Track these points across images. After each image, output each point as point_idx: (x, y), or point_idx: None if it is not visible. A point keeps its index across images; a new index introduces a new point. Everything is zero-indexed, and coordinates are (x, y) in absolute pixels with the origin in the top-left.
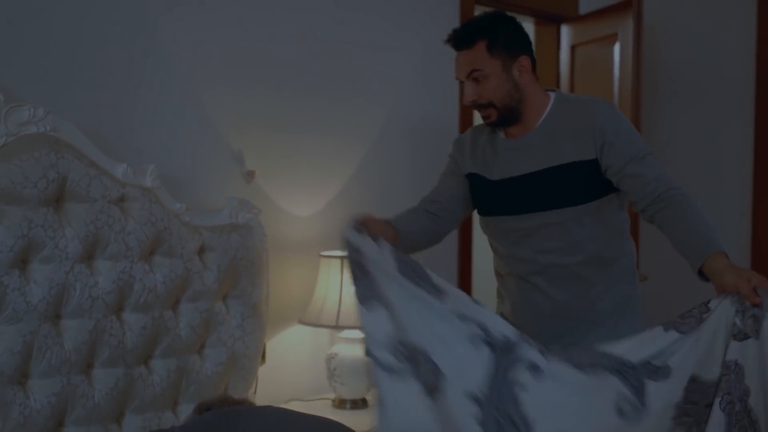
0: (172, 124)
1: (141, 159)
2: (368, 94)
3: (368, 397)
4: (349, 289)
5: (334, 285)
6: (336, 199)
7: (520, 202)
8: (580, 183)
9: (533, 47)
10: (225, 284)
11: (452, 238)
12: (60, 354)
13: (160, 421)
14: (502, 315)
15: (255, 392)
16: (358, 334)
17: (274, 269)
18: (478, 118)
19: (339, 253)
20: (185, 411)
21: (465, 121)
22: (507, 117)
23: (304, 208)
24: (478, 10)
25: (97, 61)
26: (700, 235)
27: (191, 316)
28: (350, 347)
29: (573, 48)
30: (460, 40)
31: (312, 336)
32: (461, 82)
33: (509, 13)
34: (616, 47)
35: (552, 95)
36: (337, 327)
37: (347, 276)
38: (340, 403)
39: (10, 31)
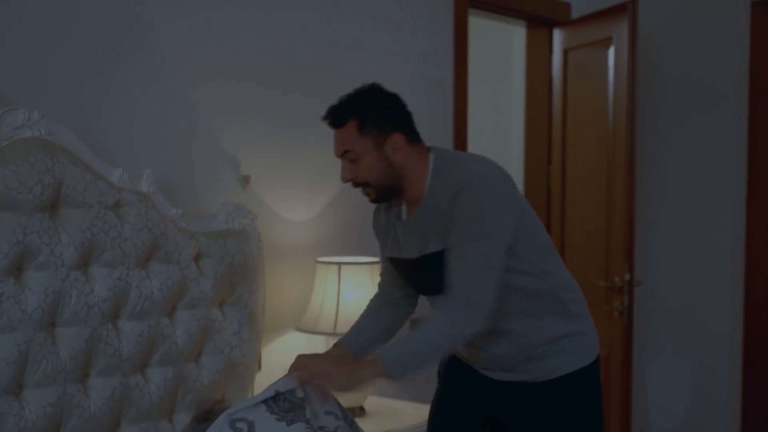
0: (167, 128)
1: (136, 164)
2: None
3: (365, 406)
4: (347, 295)
5: (331, 291)
6: (332, 204)
7: (422, 285)
8: None
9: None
10: (221, 291)
11: None
12: (56, 363)
13: (156, 430)
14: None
15: None
16: None
17: (270, 275)
18: (474, 124)
19: (336, 258)
20: (182, 420)
21: (460, 125)
22: (386, 195)
23: (299, 213)
24: (472, 14)
25: (92, 65)
26: (402, 347)
27: (188, 323)
28: None
29: (566, 52)
30: (333, 119)
31: (308, 343)
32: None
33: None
34: (611, 51)
35: (431, 162)
36: (335, 334)
37: (345, 281)
38: None
39: (2, 33)
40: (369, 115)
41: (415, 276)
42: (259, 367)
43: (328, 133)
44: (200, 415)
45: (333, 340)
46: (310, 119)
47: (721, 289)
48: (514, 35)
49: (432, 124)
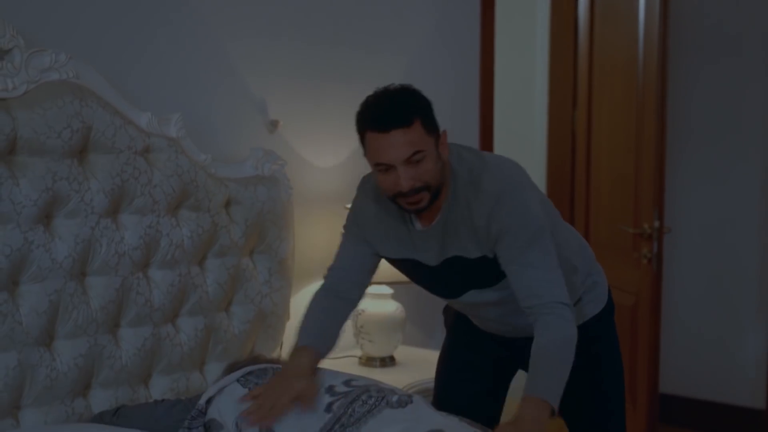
0: (195, 72)
1: (163, 109)
2: (389, 43)
3: (396, 355)
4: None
5: None
6: (359, 149)
7: (439, 288)
8: (491, 268)
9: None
10: (251, 239)
11: None
12: (86, 313)
13: (188, 381)
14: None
15: (281, 350)
16: (386, 289)
17: (298, 222)
18: (502, 69)
19: None
20: (213, 371)
21: (485, 71)
22: (434, 198)
23: (327, 159)
24: None
25: (120, 7)
26: (543, 373)
27: (218, 272)
28: (378, 303)
29: None
30: (396, 118)
31: None
32: (382, 169)
33: None
34: (641, 10)
35: (451, 168)
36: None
37: None
38: (368, 361)
39: None
40: (428, 113)
41: (428, 279)
42: (288, 317)
43: (355, 78)
44: (231, 367)
45: None
46: (337, 64)
47: (749, 236)
48: None
49: (458, 70)
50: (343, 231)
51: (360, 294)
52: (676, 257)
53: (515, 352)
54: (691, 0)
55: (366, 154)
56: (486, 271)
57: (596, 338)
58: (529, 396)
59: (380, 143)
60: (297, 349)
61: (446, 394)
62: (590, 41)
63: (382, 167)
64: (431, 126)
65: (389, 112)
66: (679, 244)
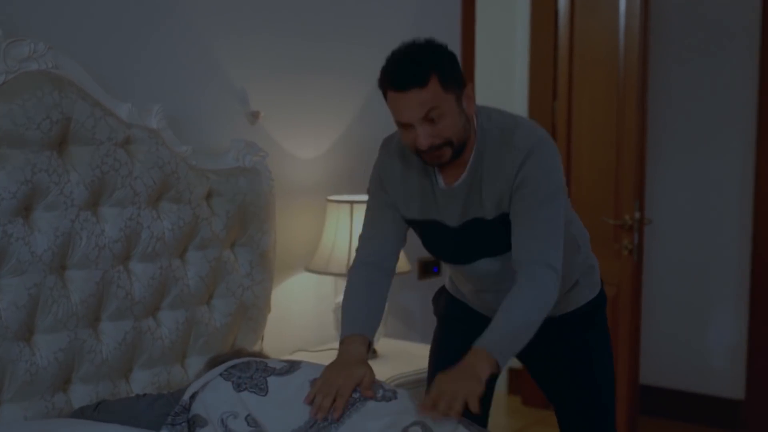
0: (176, 62)
1: (144, 99)
2: (369, 35)
3: (377, 348)
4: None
5: (343, 230)
6: (341, 140)
7: (456, 251)
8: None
9: None
10: (233, 231)
11: None
12: (66, 307)
13: (169, 375)
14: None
15: (262, 343)
16: None
17: (279, 215)
18: (482, 60)
19: (347, 197)
20: (194, 365)
21: (466, 62)
22: (458, 154)
23: (308, 150)
24: None
25: None
26: (501, 332)
27: (199, 265)
28: None
29: None
30: (410, 78)
31: (317, 284)
32: (405, 127)
33: None
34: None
35: (476, 121)
36: (347, 275)
37: (358, 220)
38: None
39: None
40: (447, 69)
41: (446, 243)
42: (269, 309)
43: (335, 69)
44: (213, 360)
45: (343, 282)
46: (318, 56)
47: (728, 228)
48: None
49: None
50: (368, 198)
51: (396, 262)
52: (656, 248)
53: None
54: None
55: (390, 108)
56: (502, 235)
57: (589, 326)
58: (478, 348)
59: (398, 103)
60: (348, 338)
61: None
62: (571, 33)
63: (404, 126)
64: (451, 82)
65: (405, 71)
66: (659, 235)
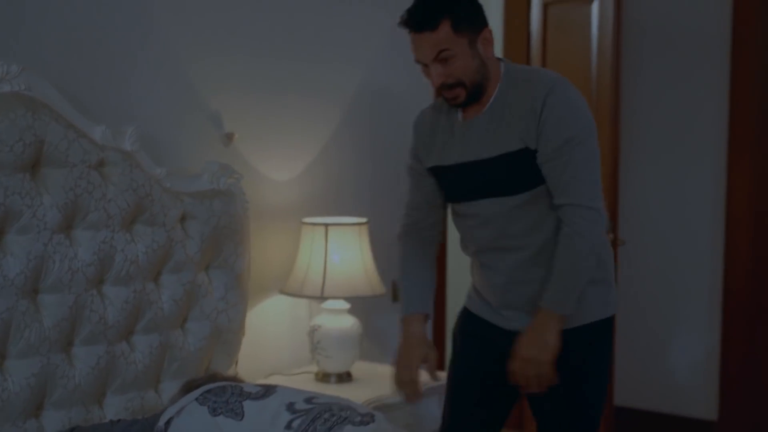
0: (149, 84)
1: (118, 121)
2: (344, 55)
3: (352, 371)
4: (334, 257)
5: (317, 253)
6: (316, 162)
7: (470, 189)
8: (527, 169)
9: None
10: (207, 254)
11: None
12: (39, 332)
13: (143, 400)
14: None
15: (236, 367)
16: (343, 304)
17: (253, 237)
18: None
19: (322, 219)
20: (168, 389)
21: None
22: (475, 95)
23: (283, 173)
24: None
25: (73, 16)
26: (554, 286)
27: (173, 288)
28: (335, 318)
29: (546, 6)
30: (421, 21)
31: (291, 307)
32: (424, 65)
33: None
34: (594, 5)
35: (501, 68)
36: (322, 297)
37: (332, 243)
38: (324, 377)
39: None
40: (461, 13)
41: (459, 180)
42: (244, 332)
43: (309, 91)
44: (188, 385)
45: (318, 305)
46: (292, 77)
47: (702, 248)
48: None
49: (410, 82)
50: (407, 172)
51: (441, 229)
52: (627, 268)
53: None
54: (644, 10)
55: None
56: (516, 172)
57: (592, 348)
58: (542, 308)
59: (413, 43)
60: (408, 317)
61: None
62: (543, 52)
63: (421, 65)
64: (464, 26)
65: (417, 14)
66: (630, 255)
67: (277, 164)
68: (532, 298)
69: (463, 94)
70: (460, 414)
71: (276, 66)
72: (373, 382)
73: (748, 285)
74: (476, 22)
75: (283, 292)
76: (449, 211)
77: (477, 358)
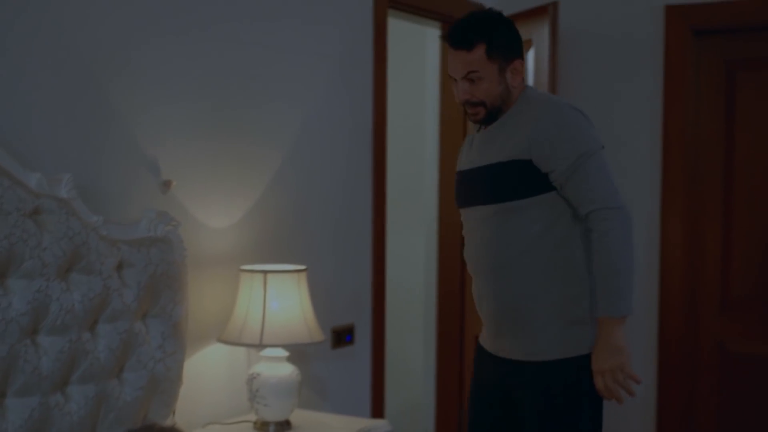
0: (86, 132)
1: (54, 168)
2: (284, 99)
3: (291, 419)
4: (273, 304)
5: (256, 300)
6: (254, 209)
7: (467, 195)
8: (514, 180)
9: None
10: (145, 302)
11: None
12: None
13: None
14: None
15: (174, 416)
16: (281, 352)
17: (192, 285)
18: (393, 124)
19: (261, 266)
20: None
21: (378, 126)
22: (493, 115)
23: (221, 220)
24: (392, 15)
25: (6, 63)
26: (601, 292)
27: (110, 337)
28: (274, 366)
29: None
30: (460, 40)
31: (229, 355)
32: (454, 79)
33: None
34: (531, 53)
35: (524, 92)
36: (261, 345)
37: (271, 290)
38: (263, 426)
39: None
40: (497, 41)
41: (464, 185)
42: (182, 381)
43: (249, 135)
44: None
45: (256, 353)
46: (232, 122)
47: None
48: (428, 38)
49: (354, 126)
50: None
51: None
52: None
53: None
54: (579, 58)
55: None
56: (495, 181)
57: (571, 380)
58: (599, 317)
59: (449, 57)
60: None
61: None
62: None
63: (451, 79)
64: (497, 53)
65: (458, 33)
66: None
67: (216, 211)
68: (491, 314)
69: (483, 113)
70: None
71: (214, 111)
72: (313, 430)
73: (682, 328)
74: (510, 52)
75: (221, 340)
76: None
77: (482, 385)
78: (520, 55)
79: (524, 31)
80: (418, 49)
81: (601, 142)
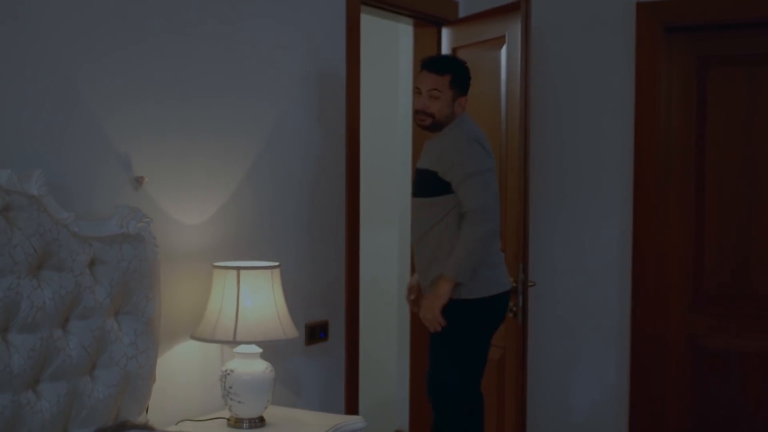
0: (56, 127)
1: (24, 165)
2: (257, 95)
3: (265, 416)
4: (246, 302)
5: (229, 297)
6: (227, 205)
7: (414, 188)
8: (428, 182)
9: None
10: (117, 299)
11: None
12: None
13: None
14: None
15: (147, 414)
16: (255, 348)
17: (164, 282)
18: (366, 119)
19: (234, 263)
20: None
21: (351, 122)
22: (436, 127)
23: (194, 216)
24: (364, 11)
25: None
26: (450, 259)
27: (82, 334)
28: (247, 363)
29: (454, 51)
30: (436, 66)
31: (202, 352)
32: (416, 91)
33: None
34: (503, 50)
35: (461, 119)
36: (235, 342)
37: (244, 287)
38: (236, 422)
39: None
40: (460, 77)
41: (417, 180)
42: (154, 379)
43: (221, 131)
44: None
45: (229, 349)
46: (205, 119)
47: (610, 288)
48: (401, 33)
49: (327, 121)
50: None
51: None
52: (538, 309)
53: None
54: (552, 55)
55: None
56: (423, 181)
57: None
58: (440, 275)
59: (422, 76)
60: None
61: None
62: None
63: (416, 90)
64: (456, 85)
65: (436, 61)
66: (541, 296)
67: (188, 207)
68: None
69: (429, 122)
70: None
71: (186, 107)
72: (287, 427)
73: (654, 323)
74: (464, 88)
75: (194, 337)
76: None
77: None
78: (467, 94)
79: (497, 27)
80: (390, 45)
81: (490, 166)
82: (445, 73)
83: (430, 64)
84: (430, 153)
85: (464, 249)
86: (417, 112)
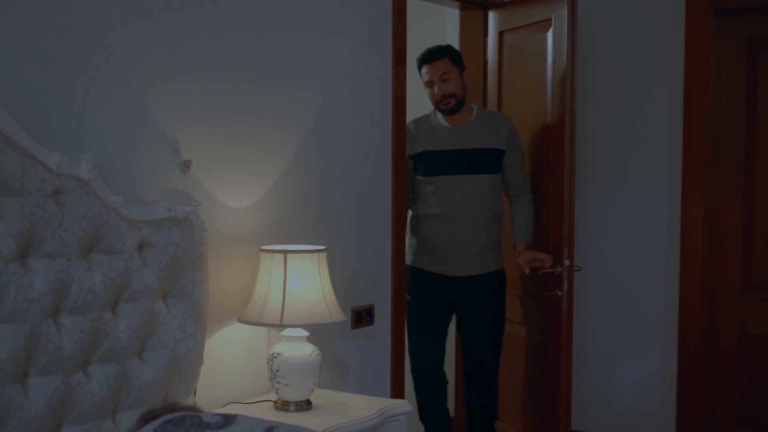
0: (106, 111)
1: (74, 148)
2: (304, 78)
3: (312, 399)
4: (293, 285)
5: (276, 280)
6: (274, 189)
7: (458, 167)
8: (493, 160)
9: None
10: (165, 282)
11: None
12: None
13: (99, 431)
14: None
15: (195, 396)
16: (301, 332)
17: (212, 265)
18: (412, 105)
19: (281, 246)
20: (126, 420)
21: (398, 106)
22: (458, 106)
23: (241, 200)
24: None
25: (27, 44)
26: (521, 226)
27: (131, 317)
28: (294, 346)
29: (501, 34)
30: (434, 55)
31: (249, 335)
32: (431, 85)
33: None
34: (549, 33)
35: (473, 105)
36: (282, 325)
37: (291, 270)
38: (283, 405)
39: None
40: (455, 55)
41: (446, 160)
42: (202, 361)
43: (269, 114)
44: (146, 415)
45: (276, 332)
46: (251, 102)
47: (657, 274)
48: (447, 17)
49: (374, 106)
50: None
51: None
52: (583, 296)
53: (459, 295)
54: (599, 38)
55: (422, 80)
56: (488, 160)
57: (500, 290)
58: (517, 241)
59: (427, 69)
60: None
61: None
62: (499, 80)
63: (429, 84)
64: (457, 62)
65: (430, 53)
66: (587, 282)
67: (236, 191)
68: (478, 247)
69: (453, 102)
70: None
71: (234, 91)
72: (333, 410)
73: (702, 308)
74: (462, 63)
75: (241, 320)
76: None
77: (429, 305)
78: (465, 68)
79: (544, 11)
80: (437, 28)
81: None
82: (444, 57)
83: (428, 56)
84: (485, 133)
85: (532, 216)
86: (440, 101)
